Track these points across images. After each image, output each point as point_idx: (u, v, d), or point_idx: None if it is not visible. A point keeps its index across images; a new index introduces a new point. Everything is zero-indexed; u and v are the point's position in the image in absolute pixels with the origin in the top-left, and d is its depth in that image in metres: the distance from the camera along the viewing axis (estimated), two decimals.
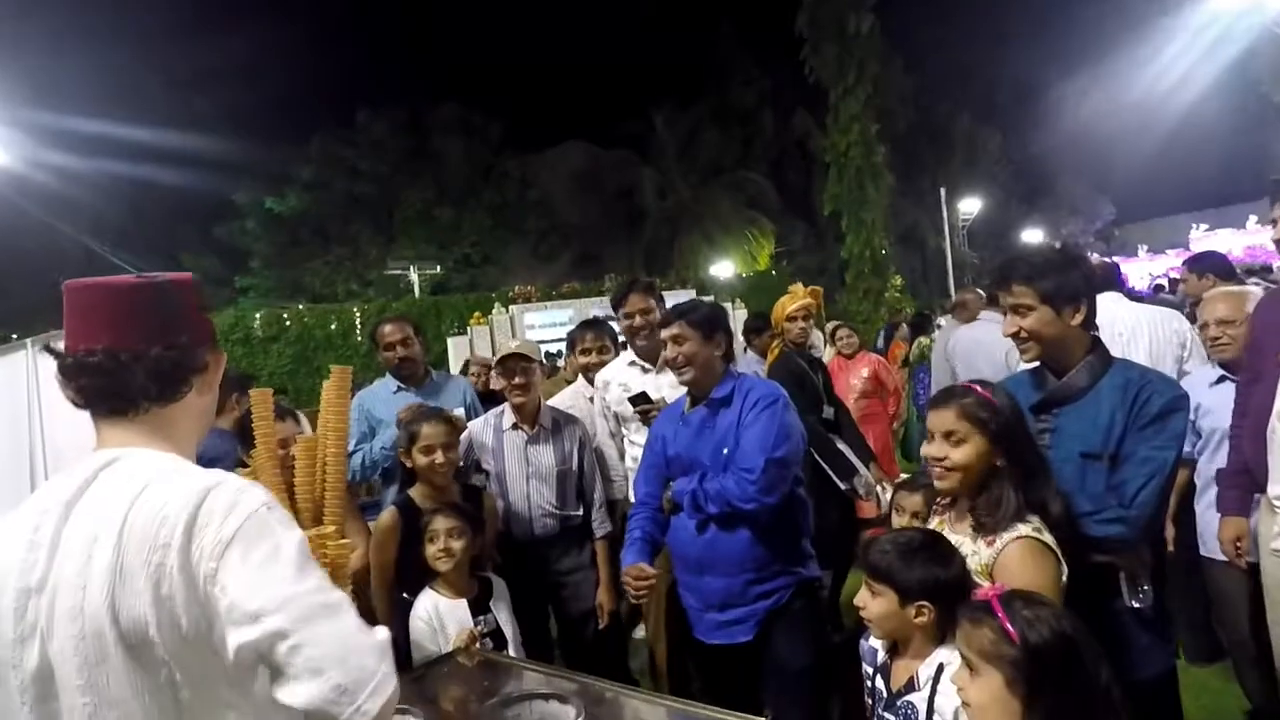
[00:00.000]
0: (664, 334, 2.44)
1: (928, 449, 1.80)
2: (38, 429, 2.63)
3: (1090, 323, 1.92)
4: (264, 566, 0.98)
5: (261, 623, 0.95)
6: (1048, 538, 1.63)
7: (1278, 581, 2.25)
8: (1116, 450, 1.81)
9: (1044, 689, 1.25)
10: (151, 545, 0.97)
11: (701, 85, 27.67)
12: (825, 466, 3.58)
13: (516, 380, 3.03)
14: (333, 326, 15.44)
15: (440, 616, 2.44)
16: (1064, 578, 1.62)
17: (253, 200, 25.71)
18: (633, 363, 3.19)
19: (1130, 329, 3.11)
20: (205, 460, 2.18)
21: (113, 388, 1.09)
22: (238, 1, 31.18)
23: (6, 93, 15.74)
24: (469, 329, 14.33)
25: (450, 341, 14.26)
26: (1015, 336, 1.93)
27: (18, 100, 16.57)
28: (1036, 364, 2.01)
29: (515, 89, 30.08)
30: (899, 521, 2.29)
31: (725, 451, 2.27)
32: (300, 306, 16.94)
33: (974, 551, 1.70)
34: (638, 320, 3.13)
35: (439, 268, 23.41)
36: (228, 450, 2.80)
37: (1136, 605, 1.84)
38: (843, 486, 3.55)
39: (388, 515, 2.70)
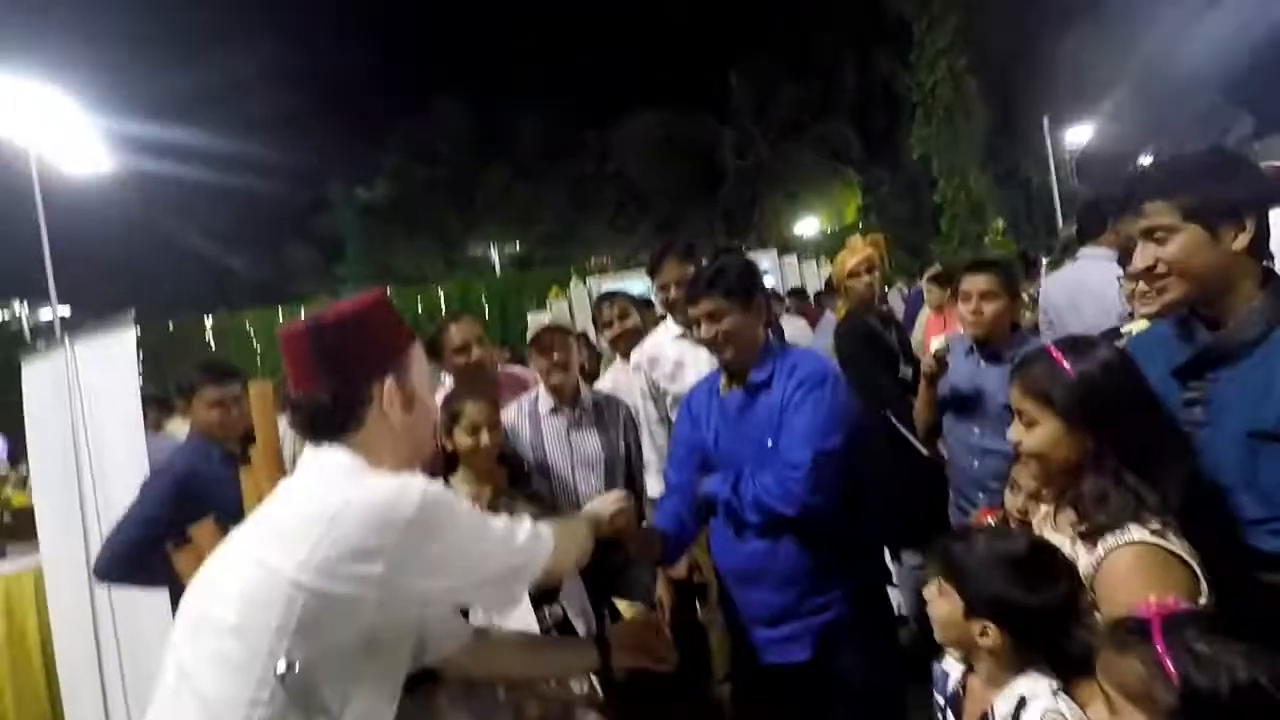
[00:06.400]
0: (693, 312, 2.07)
1: (1010, 431, 1.44)
2: (80, 419, 2.99)
3: (1262, 248, 1.37)
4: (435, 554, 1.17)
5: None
6: (1175, 544, 1.24)
7: None
8: None
9: None
10: (317, 517, 1.10)
11: (775, 37, 26.51)
12: (904, 432, 3.19)
13: (555, 357, 2.77)
14: (419, 308, 15.84)
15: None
16: (1202, 600, 1.21)
17: (344, 192, 26.81)
18: (682, 335, 2.86)
19: None
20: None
21: (302, 424, 1.26)
22: (312, 8, 32.26)
23: (112, 105, 16.75)
24: (548, 304, 14.36)
25: (530, 318, 14.30)
26: (1149, 273, 1.37)
27: (122, 112, 17.64)
28: (1182, 312, 1.44)
29: (586, 60, 29.69)
30: (1013, 502, 1.91)
31: (770, 444, 1.95)
32: (388, 290, 17.51)
33: (1072, 556, 1.34)
34: (673, 292, 2.77)
35: (519, 244, 23.73)
36: (188, 463, 2.64)
37: None
38: (925, 452, 3.15)
39: None
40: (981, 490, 2.43)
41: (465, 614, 2.18)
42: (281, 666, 1.05)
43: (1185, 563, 1.22)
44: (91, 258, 20.86)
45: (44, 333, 18.30)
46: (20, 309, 20.19)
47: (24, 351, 3.48)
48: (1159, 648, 1.01)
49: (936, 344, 2.64)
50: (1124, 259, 2.58)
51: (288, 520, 1.14)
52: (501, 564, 1.27)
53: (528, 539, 1.32)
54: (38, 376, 3.25)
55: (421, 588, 1.17)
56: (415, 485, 1.15)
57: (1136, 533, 1.24)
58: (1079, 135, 22.87)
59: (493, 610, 1.33)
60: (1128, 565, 1.23)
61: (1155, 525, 1.24)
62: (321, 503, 1.12)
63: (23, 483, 3.81)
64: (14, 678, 3.37)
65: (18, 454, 5.14)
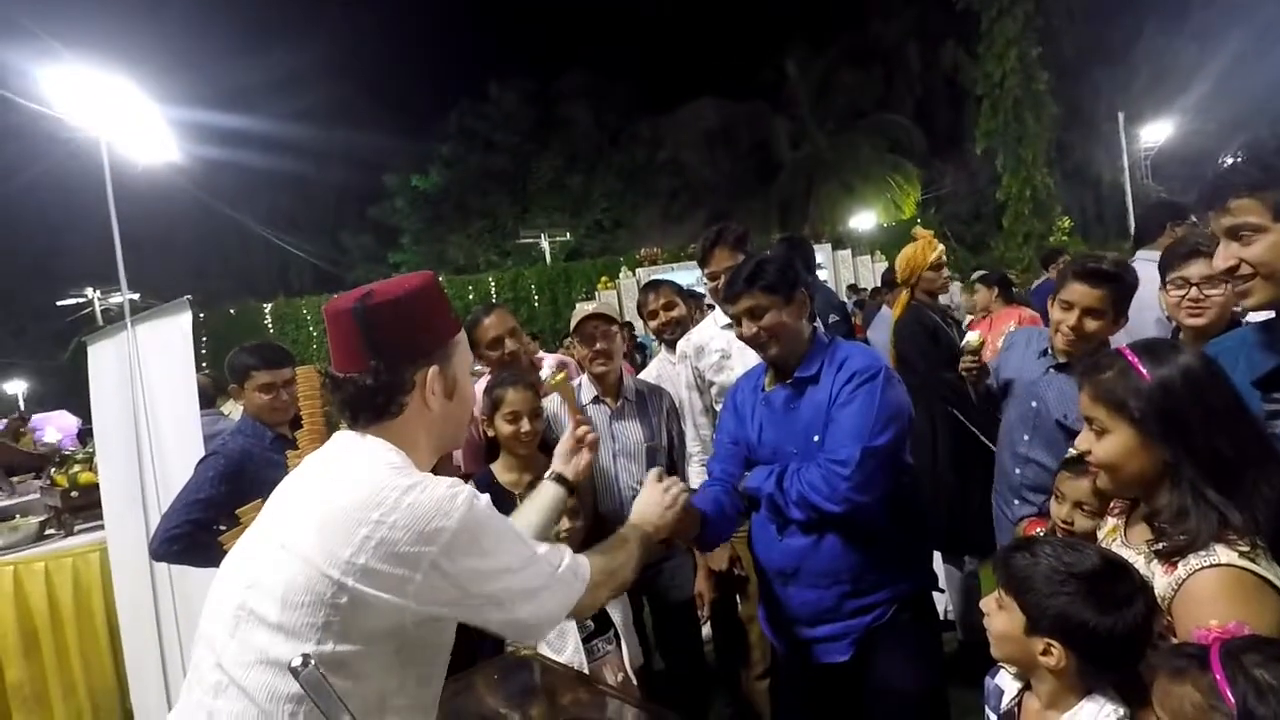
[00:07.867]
0: (732, 310, 2.00)
1: (1078, 439, 1.35)
2: (141, 398, 3.09)
3: None
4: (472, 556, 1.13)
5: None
6: (1268, 570, 1.13)
7: None
8: None
9: None
10: (361, 518, 1.07)
11: (836, 24, 25.97)
12: (973, 429, 3.06)
13: (598, 346, 2.73)
14: (470, 296, 16.08)
15: None
16: None
17: (401, 180, 27.30)
18: (730, 325, 2.79)
19: None
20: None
21: (342, 406, 1.24)
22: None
23: (178, 96, 17.34)
24: (597, 294, 14.40)
25: (579, 307, 14.48)
26: (1232, 274, 1.30)
27: (188, 102, 18.24)
28: (1268, 316, 1.38)
29: (640, 49, 29.52)
30: (1058, 511, 1.80)
31: (817, 440, 1.87)
32: (441, 278, 17.92)
33: (1148, 575, 1.25)
34: (723, 281, 2.71)
35: (568, 235, 23.83)
36: (241, 446, 2.64)
37: None
38: (994, 448, 3.04)
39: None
40: (1018, 498, 2.27)
41: None
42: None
43: (1278, 591, 1.11)
44: (159, 244, 21.71)
45: (114, 317, 19.14)
46: (93, 294, 21.15)
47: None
48: (1217, 675, 0.93)
49: (971, 338, 2.46)
50: (1164, 266, 2.26)
51: (331, 513, 1.10)
52: (535, 589, 1.22)
53: (567, 569, 1.28)
54: (102, 357, 3.33)
55: (453, 599, 1.13)
56: (462, 495, 1.13)
57: (1224, 555, 1.14)
58: (1155, 133, 21.63)
59: (517, 641, 1.24)
60: (1213, 590, 1.12)
61: (1244, 547, 1.14)
62: (371, 499, 1.09)
63: (90, 460, 3.95)
64: (82, 649, 3.50)
65: (88, 434, 5.37)
